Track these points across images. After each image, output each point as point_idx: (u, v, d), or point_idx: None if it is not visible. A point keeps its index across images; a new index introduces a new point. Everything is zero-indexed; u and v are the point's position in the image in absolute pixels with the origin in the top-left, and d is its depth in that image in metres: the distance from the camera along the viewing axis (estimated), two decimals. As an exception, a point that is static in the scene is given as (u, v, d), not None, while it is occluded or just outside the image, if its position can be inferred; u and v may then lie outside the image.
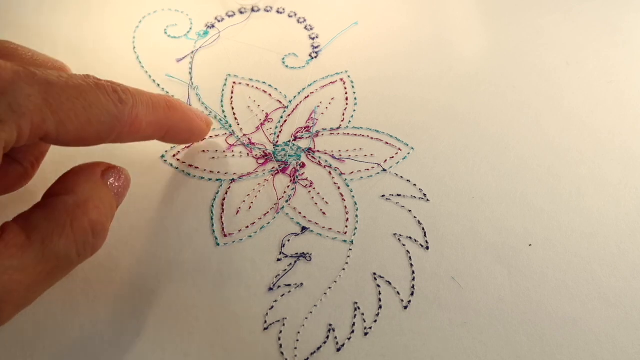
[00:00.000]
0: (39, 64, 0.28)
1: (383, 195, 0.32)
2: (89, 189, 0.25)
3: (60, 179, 0.25)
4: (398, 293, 0.29)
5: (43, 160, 0.29)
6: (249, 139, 0.34)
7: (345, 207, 0.31)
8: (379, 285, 0.29)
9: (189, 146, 0.34)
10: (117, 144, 0.32)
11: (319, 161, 0.33)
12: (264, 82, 0.36)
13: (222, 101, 0.36)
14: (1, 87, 0.21)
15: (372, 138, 0.34)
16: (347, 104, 0.36)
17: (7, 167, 0.28)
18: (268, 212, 0.31)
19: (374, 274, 0.29)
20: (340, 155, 0.33)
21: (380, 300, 0.28)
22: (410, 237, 0.30)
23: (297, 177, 0.32)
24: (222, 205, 0.31)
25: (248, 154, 0.33)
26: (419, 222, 0.31)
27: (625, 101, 0.36)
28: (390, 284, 0.29)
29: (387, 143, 0.34)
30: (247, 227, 0.31)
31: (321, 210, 0.31)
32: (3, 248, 0.21)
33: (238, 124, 0.35)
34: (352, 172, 0.33)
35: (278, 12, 0.40)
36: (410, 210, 0.31)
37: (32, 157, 0.29)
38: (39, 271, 0.22)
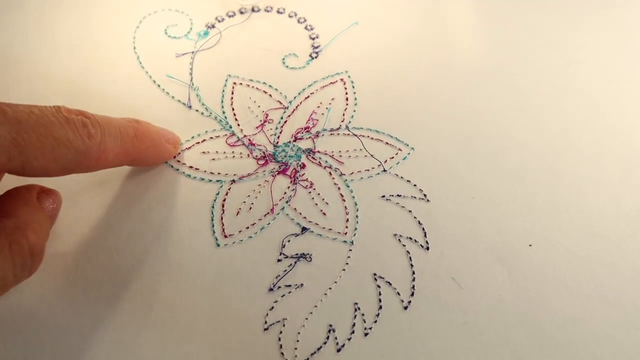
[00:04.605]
0: None
1: (383, 196, 0.32)
2: (27, 212, 0.25)
3: None
4: (398, 293, 0.29)
5: None
6: (249, 139, 0.34)
7: (346, 207, 0.31)
8: (379, 286, 0.29)
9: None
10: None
11: (319, 162, 0.33)
12: (264, 83, 0.36)
13: (222, 102, 0.36)
14: None
15: (372, 138, 0.34)
16: (347, 104, 0.36)
17: None
18: (268, 213, 0.31)
19: (374, 274, 0.29)
20: (341, 155, 0.33)
21: (380, 300, 0.28)
22: (410, 238, 0.30)
23: (297, 178, 0.32)
24: (223, 206, 0.31)
25: (248, 155, 0.33)
26: (419, 222, 0.31)
27: (625, 101, 0.36)
28: (390, 284, 0.29)
29: (387, 143, 0.34)
30: (248, 227, 0.31)
31: (321, 210, 0.31)
32: None
33: (238, 125, 0.35)
34: (352, 173, 0.33)
35: (278, 12, 0.40)
36: (410, 211, 0.31)
37: None
38: None
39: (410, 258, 0.30)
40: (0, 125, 0.22)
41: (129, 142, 0.28)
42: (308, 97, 0.36)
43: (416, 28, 0.40)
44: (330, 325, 0.28)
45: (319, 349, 0.27)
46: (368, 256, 0.30)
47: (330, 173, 0.33)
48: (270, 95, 0.36)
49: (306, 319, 0.28)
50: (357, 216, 0.31)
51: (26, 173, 0.23)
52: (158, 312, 0.28)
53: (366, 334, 0.28)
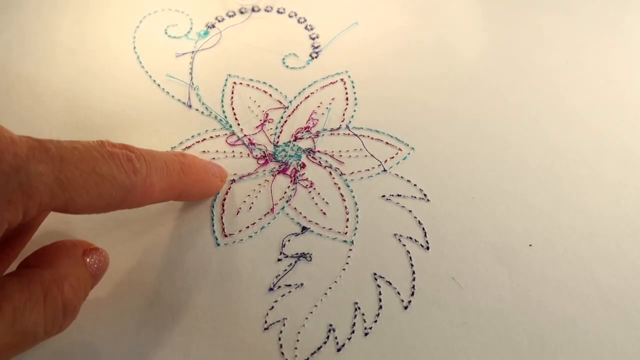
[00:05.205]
0: None
1: (383, 196, 0.32)
2: (68, 265, 0.24)
3: (40, 252, 0.25)
4: (398, 293, 0.29)
5: (14, 260, 0.27)
6: (249, 139, 0.34)
7: (346, 207, 0.31)
8: (379, 286, 0.29)
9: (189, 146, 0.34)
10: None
11: (319, 161, 0.33)
12: (264, 82, 0.36)
13: (222, 101, 0.36)
14: (15, 164, 0.20)
15: (372, 138, 0.34)
16: (347, 104, 0.36)
17: None
18: (268, 213, 0.31)
19: (374, 274, 0.29)
20: (341, 155, 0.33)
21: (380, 300, 0.28)
22: (410, 237, 0.30)
23: (297, 178, 0.32)
24: (223, 205, 0.31)
25: (248, 155, 0.33)
26: (419, 222, 0.31)
27: (625, 101, 0.36)
28: (390, 284, 0.29)
29: (387, 143, 0.34)
30: (248, 227, 0.31)
31: (321, 210, 0.31)
32: None
33: (238, 124, 0.35)
34: (352, 173, 0.33)
35: (278, 12, 0.40)
36: (410, 211, 0.31)
37: (6, 255, 0.26)
38: (4, 342, 0.21)
39: (410, 258, 0.30)
40: (43, 163, 0.21)
41: (175, 176, 0.26)
42: (308, 97, 0.36)
43: (416, 28, 0.40)
44: (330, 325, 0.28)
45: (319, 348, 0.27)
46: (368, 256, 0.30)
47: (330, 173, 0.33)
48: (270, 95, 0.36)
49: (306, 318, 0.28)
50: (357, 216, 0.31)
51: (70, 211, 0.22)
52: (158, 312, 0.28)
53: (366, 334, 0.28)
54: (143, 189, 0.24)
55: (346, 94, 0.36)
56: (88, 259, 0.26)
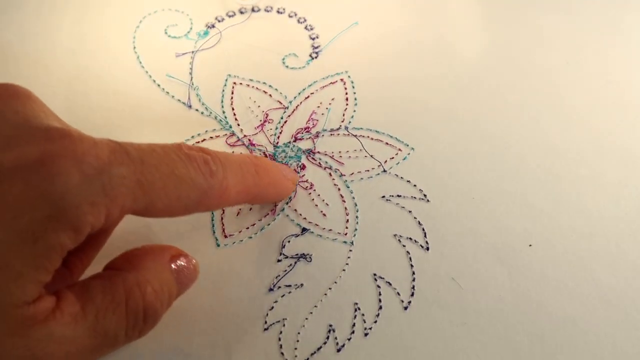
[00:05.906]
0: None
1: (383, 196, 0.32)
2: (152, 269, 0.24)
3: (126, 254, 0.25)
4: (398, 294, 0.29)
5: (88, 266, 0.26)
6: (249, 139, 0.34)
7: (346, 208, 0.31)
8: (379, 286, 0.29)
9: None
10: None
11: (319, 162, 0.33)
12: (264, 83, 0.36)
13: (222, 102, 0.36)
14: (98, 166, 0.20)
15: (372, 139, 0.34)
16: (347, 104, 0.36)
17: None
18: (268, 214, 0.31)
19: (374, 274, 0.29)
20: (341, 156, 0.33)
21: (380, 300, 0.28)
22: (410, 238, 0.30)
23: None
24: (223, 206, 0.31)
25: (248, 155, 0.33)
26: (419, 222, 0.31)
27: (625, 101, 0.36)
28: (390, 284, 0.29)
29: (387, 143, 0.34)
30: (248, 228, 0.31)
31: (321, 211, 0.31)
32: (59, 316, 0.20)
33: (238, 125, 0.35)
34: (352, 174, 0.33)
35: (278, 12, 0.40)
36: (410, 211, 0.31)
37: (80, 261, 0.26)
38: (86, 344, 0.21)
39: (410, 258, 0.30)
40: (125, 166, 0.21)
41: (250, 179, 0.26)
42: (308, 97, 0.36)
43: (416, 28, 0.40)
44: (330, 325, 0.28)
45: (319, 349, 0.27)
46: (368, 256, 0.30)
47: (330, 174, 0.33)
48: (270, 95, 0.36)
49: (306, 319, 0.28)
50: (357, 217, 0.31)
51: (149, 214, 0.22)
52: (158, 312, 0.28)
53: (366, 334, 0.28)
54: (219, 191, 0.24)
55: (346, 94, 0.36)
56: (174, 266, 0.25)
